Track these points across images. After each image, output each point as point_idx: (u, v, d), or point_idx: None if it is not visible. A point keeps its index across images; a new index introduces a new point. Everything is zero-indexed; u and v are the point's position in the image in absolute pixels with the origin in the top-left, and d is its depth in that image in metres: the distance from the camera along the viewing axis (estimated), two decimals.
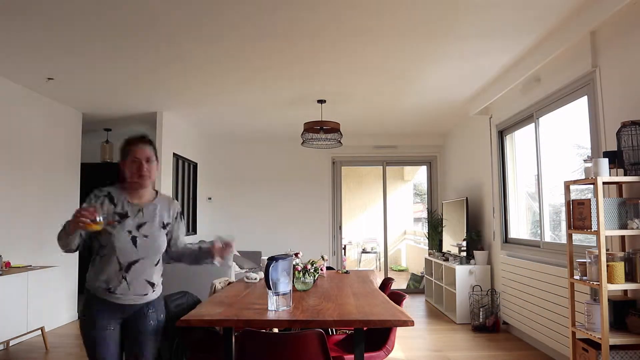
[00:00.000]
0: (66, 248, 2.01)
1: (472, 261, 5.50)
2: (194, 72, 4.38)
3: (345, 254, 9.73)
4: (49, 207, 5.18)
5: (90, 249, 2.13)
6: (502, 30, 3.48)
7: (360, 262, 11.35)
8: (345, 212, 8.96)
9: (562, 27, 3.42)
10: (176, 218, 2.29)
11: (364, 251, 11.29)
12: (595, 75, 3.37)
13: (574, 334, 2.96)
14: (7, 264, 4.26)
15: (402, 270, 10.94)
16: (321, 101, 5.43)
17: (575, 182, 2.93)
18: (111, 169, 7.45)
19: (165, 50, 3.83)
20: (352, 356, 2.36)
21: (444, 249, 6.51)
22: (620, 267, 2.66)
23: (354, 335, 2.21)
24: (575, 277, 2.96)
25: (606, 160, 2.76)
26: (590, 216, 2.70)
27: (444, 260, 6.11)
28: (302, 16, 3.22)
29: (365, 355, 2.47)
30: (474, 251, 5.51)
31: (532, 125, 4.47)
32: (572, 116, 3.98)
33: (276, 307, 2.32)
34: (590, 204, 2.70)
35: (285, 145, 7.78)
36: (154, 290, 2.18)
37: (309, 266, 3.02)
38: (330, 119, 6.16)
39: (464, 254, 5.60)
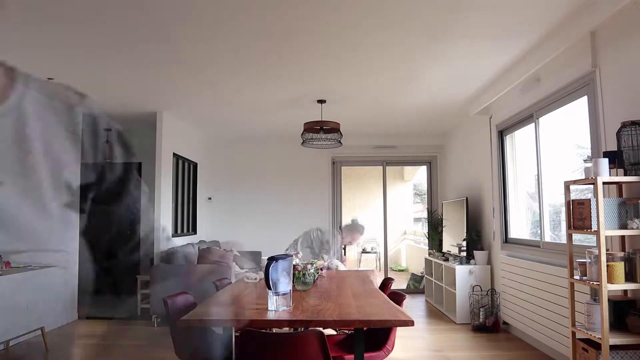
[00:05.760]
0: None
1: (472, 261, 5.49)
2: (194, 72, 4.38)
3: (345, 254, 9.71)
4: None
5: None
6: (502, 30, 3.48)
7: (360, 262, 11.34)
8: (345, 212, 8.94)
9: (562, 27, 3.42)
10: None
11: (364, 251, 11.27)
12: (595, 75, 3.36)
13: (574, 334, 2.97)
14: (7, 264, 4.26)
15: (402, 270, 10.93)
16: (321, 101, 5.43)
17: (575, 182, 2.93)
18: (111, 169, 7.45)
19: (165, 50, 3.83)
20: (352, 356, 2.36)
21: (444, 249, 6.50)
22: (620, 267, 2.66)
23: (354, 335, 2.21)
24: (575, 277, 2.96)
25: (606, 160, 2.76)
26: (590, 216, 2.70)
27: (444, 260, 6.10)
28: (302, 16, 3.22)
29: (365, 355, 2.47)
30: (474, 251, 5.51)
31: (532, 125, 4.47)
32: (572, 116, 3.98)
33: (276, 307, 2.31)
34: (590, 204, 2.70)
35: (285, 145, 7.77)
36: None
37: (309, 266, 3.02)
38: (330, 119, 6.15)
39: (464, 254, 5.60)
